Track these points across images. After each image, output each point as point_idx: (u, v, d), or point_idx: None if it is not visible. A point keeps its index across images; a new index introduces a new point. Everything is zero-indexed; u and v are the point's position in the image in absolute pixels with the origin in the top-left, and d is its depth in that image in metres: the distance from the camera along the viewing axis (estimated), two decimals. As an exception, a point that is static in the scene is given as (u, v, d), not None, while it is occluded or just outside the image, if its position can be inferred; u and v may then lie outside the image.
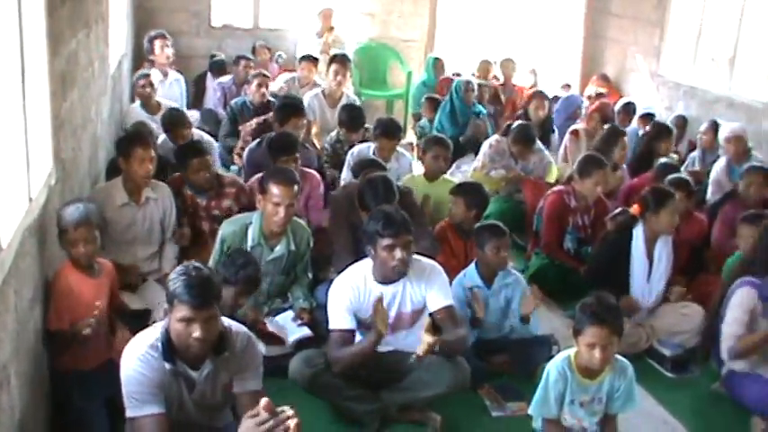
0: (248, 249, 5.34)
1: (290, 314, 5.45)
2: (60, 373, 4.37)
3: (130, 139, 5.79)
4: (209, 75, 10.35)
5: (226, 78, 9.93)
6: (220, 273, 4.80)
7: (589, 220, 6.85)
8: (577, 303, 4.22)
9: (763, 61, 9.40)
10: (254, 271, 5.01)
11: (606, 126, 8.52)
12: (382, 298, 4.54)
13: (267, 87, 8.84)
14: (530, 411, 4.40)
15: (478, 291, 5.43)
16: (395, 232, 4.53)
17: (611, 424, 4.42)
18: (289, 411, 2.63)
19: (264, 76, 9.03)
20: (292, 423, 2.63)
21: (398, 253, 4.53)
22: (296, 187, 5.34)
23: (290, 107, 7.38)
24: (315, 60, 9.90)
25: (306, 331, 5.32)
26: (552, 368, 4.26)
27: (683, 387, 5.62)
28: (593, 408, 4.31)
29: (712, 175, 8.16)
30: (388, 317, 4.52)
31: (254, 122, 7.97)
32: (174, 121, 7.40)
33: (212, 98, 9.91)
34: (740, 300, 5.15)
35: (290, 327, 5.37)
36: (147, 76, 8.46)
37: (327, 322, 4.74)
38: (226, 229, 5.45)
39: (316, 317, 5.40)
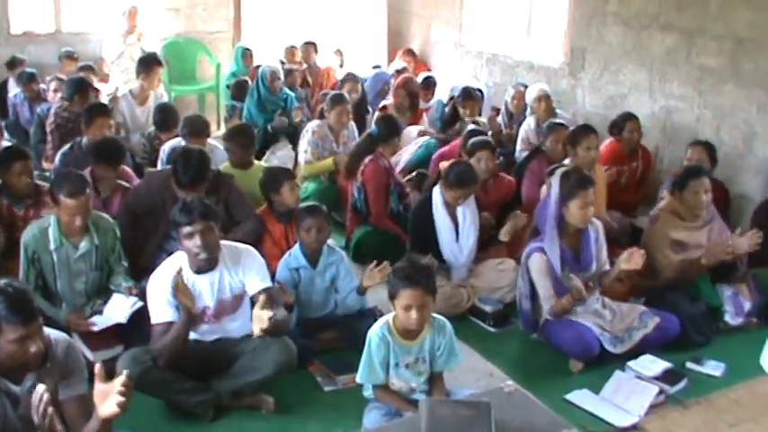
0: (53, 251, 5.27)
1: (118, 296, 5.38)
2: None
3: None
4: (10, 84, 10.01)
5: (15, 91, 9.65)
6: None
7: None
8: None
9: (555, 26, 9.83)
10: None
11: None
12: (181, 272, 4.54)
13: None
14: (358, 380, 4.50)
15: (292, 273, 5.54)
16: (192, 219, 4.55)
17: (439, 381, 4.55)
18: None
19: (59, 79, 8.92)
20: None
21: (197, 239, 4.55)
22: (87, 191, 5.25)
23: (96, 108, 7.33)
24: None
25: (138, 302, 5.24)
26: (373, 335, 4.37)
27: (505, 340, 5.85)
28: (417, 368, 4.44)
29: (521, 133, 8.55)
30: (191, 292, 4.54)
31: (51, 113, 7.96)
32: None
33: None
34: (536, 266, 5.40)
35: (121, 305, 5.31)
36: None
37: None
38: (27, 234, 5.34)
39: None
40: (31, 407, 3.56)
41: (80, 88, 8.18)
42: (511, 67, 10.42)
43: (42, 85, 9.54)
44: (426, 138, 8.37)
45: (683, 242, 5.84)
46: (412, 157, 8.12)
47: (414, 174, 7.50)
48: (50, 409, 3.09)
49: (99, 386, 3.22)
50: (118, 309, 5.32)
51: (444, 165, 6.35)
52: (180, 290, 4.50)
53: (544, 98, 8.53)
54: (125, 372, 3.20)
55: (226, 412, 4.80)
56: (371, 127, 7.73)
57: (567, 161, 6.76)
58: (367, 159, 7.11)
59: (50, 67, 10.57)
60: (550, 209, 5.39)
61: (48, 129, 8.08)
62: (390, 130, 7.40)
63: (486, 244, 6.51)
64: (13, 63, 10.17)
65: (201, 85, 11.92)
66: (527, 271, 5.50)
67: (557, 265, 5.34)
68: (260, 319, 4.45)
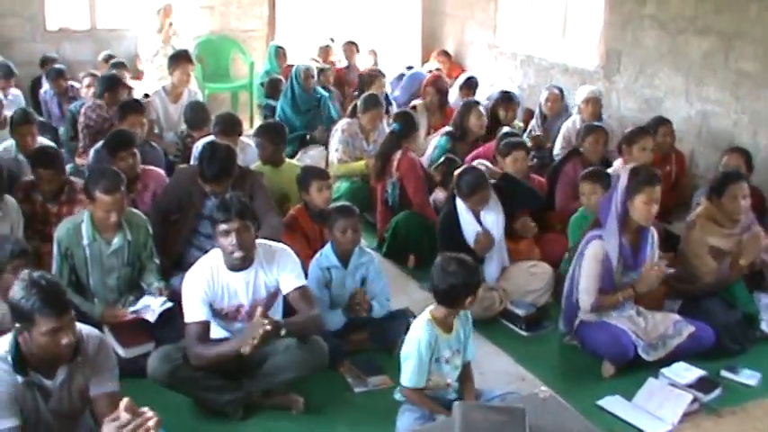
0: (85, 247, 5.30)
1: (148, 297, 5.40)
2: None
3: None
4: (44, 81, 10.07)
5: (46, 87, 9.70)
6: None
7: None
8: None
9: (590, 28, 9.77)
10: (9, 243, 4.84)
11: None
12: (263, 314, 4.44)
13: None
14: (407, 384, 4.42)
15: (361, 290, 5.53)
16: (228, 217, 4.54)
17: (469, 371, 4.62)
18: (149, 412, 2.77)
19: (93, 75, 8.97)
20: (152, 422, 2.71)
21: (233, 238, 4.55)
22: (122, 189, 5.29)
23: (129, 105, 7.37)
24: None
25: (167, 303, 5.28)
26: (420, 335, 4.36)
27: (537, 343, 5.80)
28: (455, 362, 4.47)
29: (563, 131, 8.49)
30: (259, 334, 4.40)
31: (82, 111, 8.01)
32: (18, 119, 7.17)
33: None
34: (592, 253, 5.32)
35: (151, 304, 5.32)
36: None
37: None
38: (60, 230, 5.37)
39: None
40: (62, 401, 3.60)
41: (110, 85, 8.20)
42: (545, 69, 10.37)
43: (75, 82, 9.59)
44: (438, 137, 8.27)
45: (720, 249, 5.76)
46: (427, 161, 8.06)
47: (442, 159, 7.45)
48: None
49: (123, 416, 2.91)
50: (150, 308, 5.33)
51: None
52: (254, 326, 4.40)
53: (593, 101, 8.44)
54: (156, 420, 2.89)
55: (255, 411, 4.80)
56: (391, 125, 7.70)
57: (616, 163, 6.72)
58: (398, 154, 7.12)
59: (86, 63, 10.68)
60: (615, 202, 5.32)
61: (79, 126, 8.11)
62: (410, 125, 7.42)
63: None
64: (45, 62, 10.24)
65: (235, 83, 11.96)
66: (581, 259, 5.44)
67: (614, 257, 5.28)
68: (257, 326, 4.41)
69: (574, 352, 5.60)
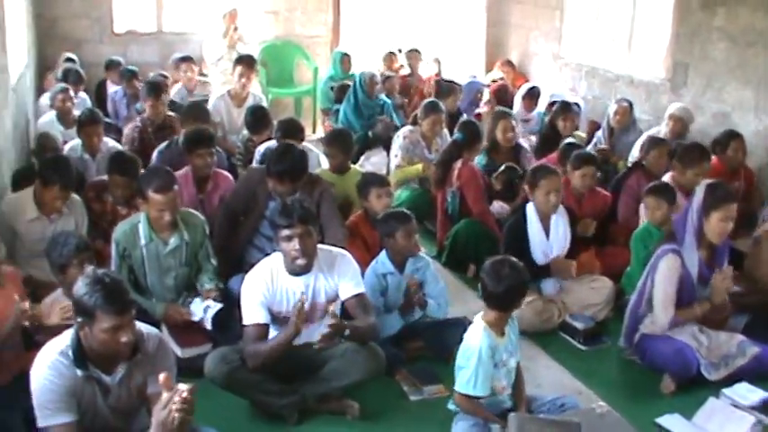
0: (142, 247, 5.35)
1: (197, 302, 5.43)
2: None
3: (51, 172, 5.69)
4: (108, 84, 10.21)
5: (115, 89, 9.84)
6: (54, 263, 4.80)
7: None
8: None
9: (657, 40, 9.65)
10: (74, 238, 4.92)
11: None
12: (304, 300, 4.54)
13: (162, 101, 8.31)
14: (471, 392, 4.37)
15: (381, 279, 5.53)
16: (291, 222, 4.55)
17: (519, 373, 4.59)
18: (182, 385, 2.98)
19: (164, 76, 9.10)
20: (186, 389, 3.01)
21: (295, 243, 4.56)
22: (175, 187, 5.33)
23: (194, 110, 7.47)
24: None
25: (217, 305, 5.33)
26: (480, 341, 4.34)
27: (595, 358, 5.72)
28: (508, 366, 4.45)
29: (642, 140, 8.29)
30: (305, 315, 4.53)
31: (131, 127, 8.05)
32: (84, 119, 7.31)
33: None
34: (667, 268, 5.23)
35: (196, 311, 5.37)
36: (66, 90, 8.38)
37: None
38: (117, 231, 5.43)
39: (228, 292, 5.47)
40: (121, 397, 3.63)
41: (153, 91, 8.07)
42: (610, 81, 10.25)
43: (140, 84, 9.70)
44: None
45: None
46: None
47: (502, 168, 7.39)
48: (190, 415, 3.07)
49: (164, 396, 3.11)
50: (202, 315, 5.37)
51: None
52: (299, 310, 4.47)
53: (677, 119, 8.32)
54: (188, 387, 3.09)
55: (310, 416, 4.80)
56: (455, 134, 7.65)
57: (666, 176, 6.61)
58: (458, 164, 7.09)
59: (151, 65, 10.82)
60: (691, 218, 5.24)
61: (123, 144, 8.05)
62: (474, 135, 7.33)
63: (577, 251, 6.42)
64: (109, 65, 10.38)
65: (298, 88, 12.04)
66: (654, 273, 5.35)
67: (694, 272, 5.20)
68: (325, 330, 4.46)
69: (633, 367, 5.52)
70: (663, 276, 5.24)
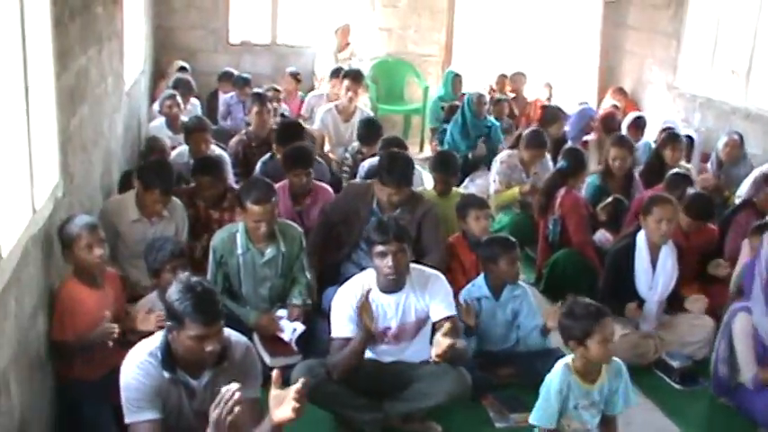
0: (239, 256, 5.40)
1: (285, 319, 5.46)
2: (69, 381, 4.48)
3: (153, 176, 5.76)
4: (220, 94, 10.42)
5: (229, 94, 10.07)
6: (149, 267, 4.93)
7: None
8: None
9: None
10: (170, 244, 4.99)
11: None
12: (369, 291, 4.58)
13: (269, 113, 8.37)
14: (531, 421, 4.37)
15: (473, 303, 5.45)
16: (386, 239, 4.54)
17: (613, 424, 4.45)
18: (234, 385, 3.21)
19: (276, 90, 9.30)
20: (234, 387, 3.21)
21: (389, 260, 4.55)
22: (273, 199, 5.37)
23: (290, 129, 7.48)
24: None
25: (300, 326, 5.35)
26: (554, 378, 4.26)
27: (690, 399, 5.57)
28: (594, 410, 4.33)
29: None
30: (373, 312, 4.57)
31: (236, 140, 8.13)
32: (192, 126, 7.46)
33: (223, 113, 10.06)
34: (741, 327, 5.11)
35: (285, 327, 5.40)
36: (173, 96, 8.60)
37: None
38: (216, 238, 5.50)
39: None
40: (205, 402, 3.65)
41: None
42: (725, 114, 9.97)
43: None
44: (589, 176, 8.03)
45: None
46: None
47: (610, 199, 7.23)
48: (237, 409, 3.18)
49: (275, 391, 3.29)
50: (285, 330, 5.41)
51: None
52: (364, 308, 4.51)
53: (731, 143, 8.24)
54: (301, 380, 3.27)
55: (393, 434, 4.78)
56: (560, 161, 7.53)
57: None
58: (561, 192, 7.00)
59: (264, 77, 11.01)
60: (760, 268, 5.05)
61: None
62: (578, 163, 7.22)
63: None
64: (222, 77, 10.60)
65: (408, 106, 12.07)
66: (729, 332, 5.20)
67: (764, 329, 5.01)
68: (439, 344, 4.38)
69: (728, 413, 5.34)
70: (737, 339, 5.12)
